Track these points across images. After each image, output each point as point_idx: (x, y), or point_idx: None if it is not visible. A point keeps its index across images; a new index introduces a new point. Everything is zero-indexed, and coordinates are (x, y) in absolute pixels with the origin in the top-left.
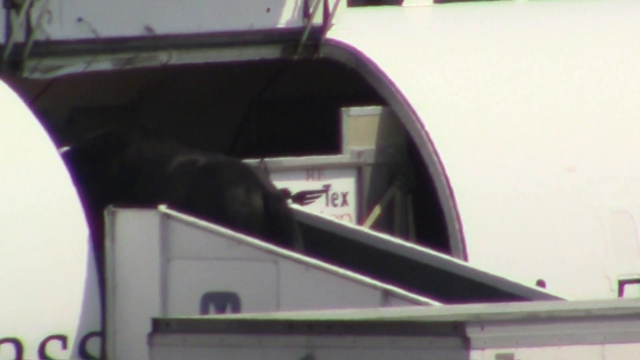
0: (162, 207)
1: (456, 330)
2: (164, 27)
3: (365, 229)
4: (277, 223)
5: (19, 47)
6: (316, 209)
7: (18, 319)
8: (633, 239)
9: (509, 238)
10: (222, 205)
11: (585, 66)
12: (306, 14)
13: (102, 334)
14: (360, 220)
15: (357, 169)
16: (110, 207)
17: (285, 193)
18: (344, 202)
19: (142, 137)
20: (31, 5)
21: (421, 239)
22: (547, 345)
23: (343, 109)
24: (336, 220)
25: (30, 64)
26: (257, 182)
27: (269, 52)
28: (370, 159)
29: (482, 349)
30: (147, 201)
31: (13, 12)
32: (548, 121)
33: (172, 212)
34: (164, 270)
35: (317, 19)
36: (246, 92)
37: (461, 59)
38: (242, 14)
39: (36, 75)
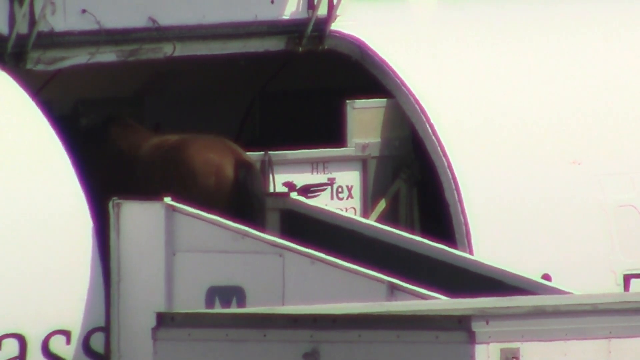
0: (168, 199)
1: (461, 324)
2: (168, 18)
3: (371, 221)
4: (246, 194)
5: (22, 39)
6: (321, 202)
7: (22, 314)
8: (639, 233)
9: (515, 231)
10: (192, 175)
11: (592, 60)
12: (311, 5)
13: (106, 327)
14: (365, 213)
15: (362, 162)
16: (115, 199)
17: (290, 186)
18: (349, 196)
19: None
20: None
21: (426, 232)
22: (552, 340)
23: (348, 101)
24: (342, 213)
25: (33, 55)
26: (229, 152)
27: (274, 44)
28: (375, 151)
29: (487, 343)
30: (128, 187)
31: (16, 4)
32: (554, 115)
33: (178, 205)
34: (169, 263)
35: (322, 11)
36: (250, 84)
37: (466, 52)
38: (247, 6)
39: (40, 67)
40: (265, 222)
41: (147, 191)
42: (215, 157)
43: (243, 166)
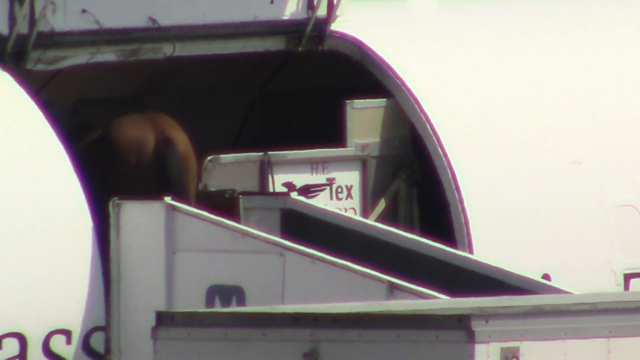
0: (168, 199)
1: (461, 323)
2: (168, 18)
3: (370, 221)
4: (162, 167)
5: (22, 39)
6: (321, 202)
7: (22, 314)
8: (639, 233)
9: (515, 231)
10: (118, 154)
11: (592, 59)
12: (310, 5)
13: (106, 327)
14: (365, 213)
15: (362, 162)
16: (115, 199)
17: (289, 186)
18: (349, 196)
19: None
20: None
21: (426, 232)
22: (552, 339)
23: (348, 101)
24: (342, 213)
25: (34, 55)
26: (152, 129)
27: (273, 44)
28: (374, 151)
29: (487, 342)
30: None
31: (17, 3)
32: (554, 114)
33: (178, 204)
34: (169, 262)
35: (322, 11)
36: (250, 84)
37: (466, 52)
38: (247, 6)
39: (40, 67)
40: (187, 198)
41: (88, 177)
42: (138, 134)
43: (163, 141)
